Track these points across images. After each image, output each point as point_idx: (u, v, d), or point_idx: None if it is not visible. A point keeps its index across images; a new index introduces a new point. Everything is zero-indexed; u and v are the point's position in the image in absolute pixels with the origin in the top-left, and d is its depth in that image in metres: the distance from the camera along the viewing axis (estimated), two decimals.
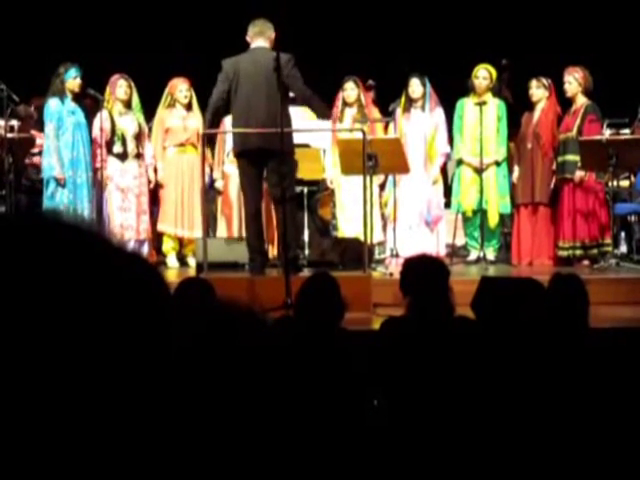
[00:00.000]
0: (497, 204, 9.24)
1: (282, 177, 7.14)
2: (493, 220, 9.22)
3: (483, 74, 9.19)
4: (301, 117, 8.80)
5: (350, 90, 9.31)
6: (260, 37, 7.45)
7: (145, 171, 9.19)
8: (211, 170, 9.42)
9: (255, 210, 7.63)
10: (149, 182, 9.26)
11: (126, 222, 8.98)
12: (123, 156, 9.04)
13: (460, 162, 9.37)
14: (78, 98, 8.89)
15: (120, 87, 9.04)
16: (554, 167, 9.10)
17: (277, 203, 7.49)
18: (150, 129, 9.32)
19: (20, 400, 0.76)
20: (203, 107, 9.25)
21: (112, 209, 8.99)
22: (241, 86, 7.41)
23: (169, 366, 0.83)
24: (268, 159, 7.32)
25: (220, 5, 11.05)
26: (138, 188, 9.08)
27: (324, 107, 7.80)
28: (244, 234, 9.08)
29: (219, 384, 1.03)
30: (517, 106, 9.40)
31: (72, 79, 8.72)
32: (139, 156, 9.13)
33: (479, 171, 9.06)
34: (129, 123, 9.07)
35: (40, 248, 0.79)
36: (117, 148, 9.02)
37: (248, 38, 7.60)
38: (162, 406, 0.82)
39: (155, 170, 9.27)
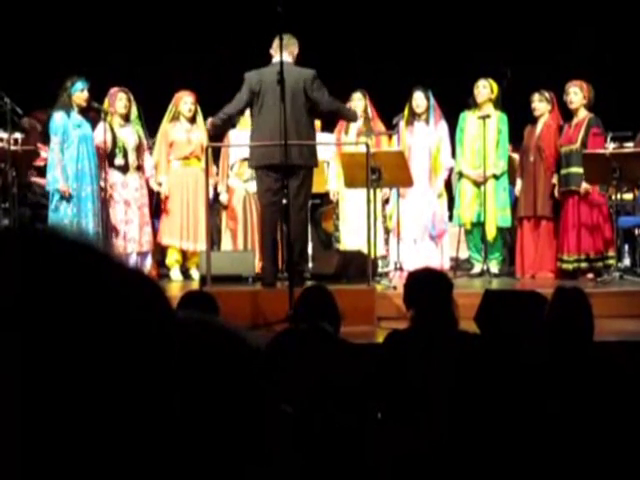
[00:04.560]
0: (495, 217, 9.22)
1: (299, 192, 7.18)
2: (491, 233, 9.19)
3: (482, 83, 9.21)
4: None
5: (357, 101, 9.33)
6: (284, 51, 7.42)
7: (146, 183, 9.20)
8: (215, 183, 9.42)
9: (272, 226, 7.62)
10: (151, 193, 9.26)
11: (129, 234, 8.98)
12: (124, 168, 9.03)
13: (460, 175, 9.37)
14: (84, 111, 8.88)
15: (120, 100, 9.04)
16: (554, 180, 9.09)
17: (287, 216, 7.47)
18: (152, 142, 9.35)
19: (12, 423, 0.75)
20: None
21: (115, 221, 8.98)
22: (265, 100, 7.40)
23: (171, 384, 0.82)
24: (290, 174, 7.29)
25: (224, 19, 11.07)
26: (140, 200, 9.08)
27: (352, 113, 8.35)
28: (249, 247, 9.10)
29: (218, 398, 1.03)
30: (518, 118, 9.39)
31: (79, 92, 8.70)
32: (139, 168, 9.13)
33: (479, 184, 9.06)
34: (129, 135, 9.07)
35: (36, 264, 0.78)
36: (118, 160, 9.01)
37: (272, 51, 7.61)
38: (162, 428, 0.81)
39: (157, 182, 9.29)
